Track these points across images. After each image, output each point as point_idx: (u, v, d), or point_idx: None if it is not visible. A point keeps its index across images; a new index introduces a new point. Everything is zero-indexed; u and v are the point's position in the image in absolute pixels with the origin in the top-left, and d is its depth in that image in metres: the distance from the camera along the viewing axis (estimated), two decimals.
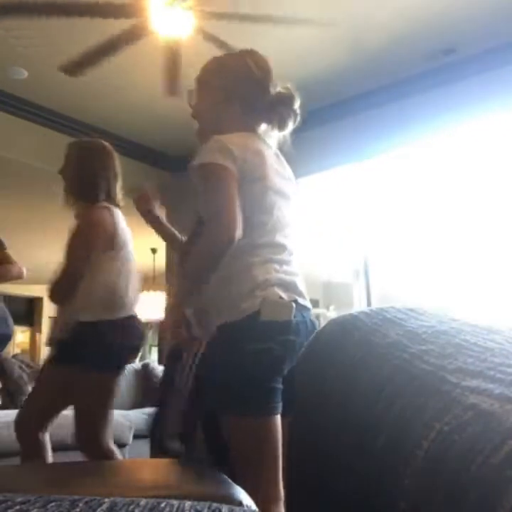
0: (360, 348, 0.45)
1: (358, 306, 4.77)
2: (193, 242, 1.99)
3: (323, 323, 1.39)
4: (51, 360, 2.30)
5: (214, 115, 1.62)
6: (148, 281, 6.75)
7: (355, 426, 0.40)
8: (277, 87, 1.58)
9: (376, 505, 0.35)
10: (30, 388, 3.94)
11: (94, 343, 2.16)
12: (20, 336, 9.84)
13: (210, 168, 1.43)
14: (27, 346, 10.21)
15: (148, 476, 1.31)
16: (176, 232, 2.07)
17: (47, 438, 2.32)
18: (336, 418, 0.44)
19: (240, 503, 1.05)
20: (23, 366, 4.29)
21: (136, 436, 3.73)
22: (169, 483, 1.19)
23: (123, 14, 3.22)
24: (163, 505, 0.45)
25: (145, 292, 4.85)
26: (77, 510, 0.41)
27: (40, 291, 10.08)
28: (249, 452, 1.40)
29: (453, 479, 0.29)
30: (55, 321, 2.42)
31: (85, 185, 2.37)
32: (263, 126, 1.59)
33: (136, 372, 4.56)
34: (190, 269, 1.46)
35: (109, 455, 2.23)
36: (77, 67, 3.49)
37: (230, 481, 1.21)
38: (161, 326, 1.49)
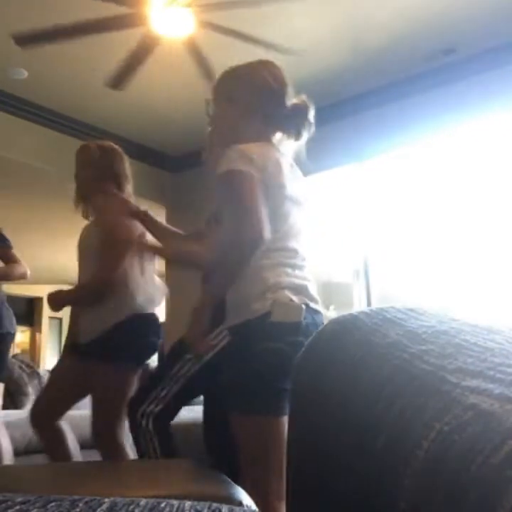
0: (360, 347, 0.45)
1: (358, 306, 4.77)
2: (202, 241, 2.02)
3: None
4: (73, 353, 2.35)
5: (232, 125, 1.64)
6: None
7: (355, 426, 0.40)
8: (292, 98, 1.62)
9: (376, 505, 0.35)
10: (30, 388, 3.95)
11: (122, 339, 2.21)
12: (20, 336, 9.86)
13: (234, 175, 1.45)
14: (27, 346, 10.22)
15: (148, 476, 1.31)
16: (171, 228, 2.08)
17: (64, 425, 2.39)
18: (336, 418, 0.43)
19: (240, 503, 1.05)
20: (23, 366, 4.29)
21: None
22: (169, 483, 1.19)
23: (126, 24, 3.23)
24: (163, 505, 0.45)
25: None
26: (77, 510, 0.41)
27: (40, 291, 10.08)
28: (256, 450, 1.43)
29: (453, 479, 0.29)
30: (75, 321, 2.44)
31: (99, 187, 2.41)
32: (278, 136, 1.63)
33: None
34: (219, 272, 1.47)
35: (121, 449, 2.26)
36: (32, 38, 3.50)
37: (230, 481, 1.21)
38: (191, 337, 1.50)
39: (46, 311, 10.40)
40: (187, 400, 2.15)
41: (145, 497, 0.48)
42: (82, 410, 2.70)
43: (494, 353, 0.36)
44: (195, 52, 3.50)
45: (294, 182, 1.56)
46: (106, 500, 0.44)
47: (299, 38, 3.91)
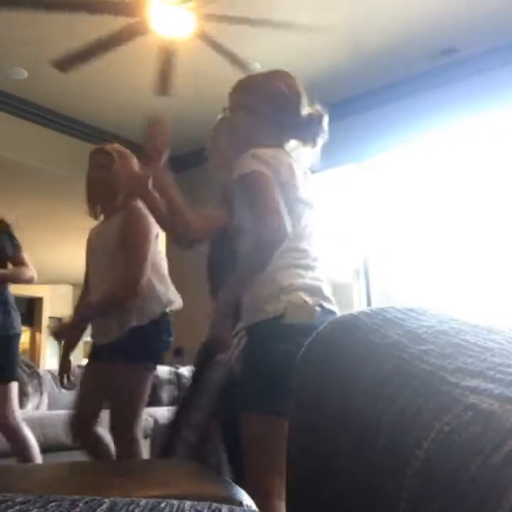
0: (360, 348, 0.45)
1: (358, 306, 4.77)
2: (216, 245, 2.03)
3: None
4: (96, 357, 2.41)
5: (246, 133, 1.67)
6: None
7: (355, 426, 0.40)
8: (306, 107, 1.66)
9: (376, 505, 0.35)
10: (30, 388, 3.95)
11: (139, 342, 2.27)
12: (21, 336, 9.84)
13: (253, 177, 1.47)
14: (27, 346, 10.22)
15: (148, 476, 1.31)
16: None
17: (101, 432, 2.45)
18: (336, 418, 0.43)
19: (240, 503, 1.05)
20: (23, 366, 4.29)
21: None
22: (169, 483, 1.19)
23: (123, 12, 3.23)
24: (163, 505, 0.45)
25: None
26: (77, 510, 0.41)
27: (40, 291, 10.09)
28: (261, 450, 1.45)
29: (453, 479, 0.29)
30: (96, 323, 2.48)
31: (115, 190, 2.46)
32: (292, 144, 1.66)
33: None
34: (243, 268, 1.49)
35: (135, 444, 2.30)
36: (68, 62, 3.52)
37: (230, 481, 1.21)
38: (215, 338, 1.51)
39: (46, 311, 10.42)
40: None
41: (145, 497, 0.48)
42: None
43: (494, 353, 0.36)
44: (213, 44, 3.50)
45: (305, 185, 1.60)
46: (106, 500, 0.44)
47: (300, 38, 3.91)
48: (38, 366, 8.46)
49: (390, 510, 0.32)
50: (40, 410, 3.89)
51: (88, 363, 2.53)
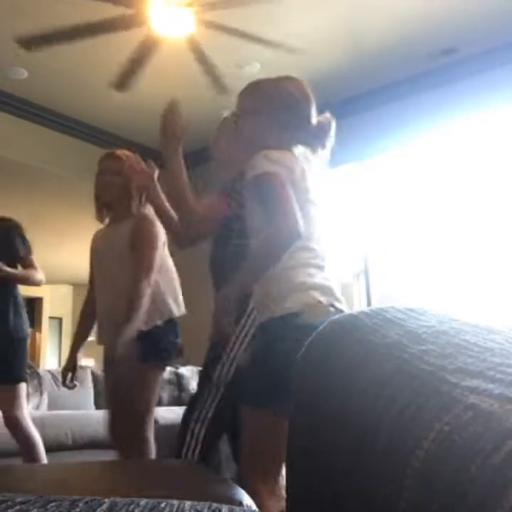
0: (360, 348, 0.45)
1: (358, 306, 4.77)
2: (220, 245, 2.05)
3: None
4: (106, 361, 2.45)
5: (255, 137, 1.69)
6: None
7: (355, 426, 0.40)
8: (315, 113, 1.68)
9: (376, 505, 0.35)
10: (30, 388, 3.95)
11: (151, 342, 2.32)
12: None
13: (267, 177, 1.50)
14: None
15: (148, 476, 1.31)
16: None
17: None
18: (335, 418, 0.43)
19: (240, 503, 1.05)
20: None
21: None
22: (169, 483, 1.19)
23: (127, 25, 3.24)
24: (163, 505, 0.45)
25: None
26: (77, 510, 0.41)
27: (40, 291, 10.08)
28: (260, 446, 1.47)
29: (453, 479, 0.29)
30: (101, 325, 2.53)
31: (125, 195, 2.52)
32: (301, 149, 1.68)
33: None
34: (254, 263, 1.51)
35: (146, 443, 2.33)
36: (34, 41, 3.51)
37: (230, 481, 1.21)
38: (217, 331, 1.53)
39: (46, 311, 10.41)
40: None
41: (145, 497, 0.48)
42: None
43: (494, 353, 0.36)
44: (197, 50, 3.50)
45: (314, 187, 1.63)
46: (106, 500, 0.44)
47: (299, 37, 3.91)
48: (38, 366, 8.47)
49: (390, 511, 0.32)
50: (40, 410, 3.89)
51: (104, 369, 2.60)
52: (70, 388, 2.57)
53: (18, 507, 0.40)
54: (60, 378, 2.71)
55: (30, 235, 2.99)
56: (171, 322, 2.42)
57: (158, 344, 2.35)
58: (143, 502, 0.45)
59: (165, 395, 4.51)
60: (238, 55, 3.74)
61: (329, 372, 0.48)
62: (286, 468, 0.53)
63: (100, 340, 2.49)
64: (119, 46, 3.55)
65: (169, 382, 4.64)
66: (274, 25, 3.75)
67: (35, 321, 10.16)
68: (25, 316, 2.87)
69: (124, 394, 2.37)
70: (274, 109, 1.65)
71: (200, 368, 2.31)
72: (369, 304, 4.76)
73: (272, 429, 1.40)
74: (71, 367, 2.56)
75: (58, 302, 10.30)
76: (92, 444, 3.66)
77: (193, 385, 4.44)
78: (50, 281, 9.76)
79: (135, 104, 4.73)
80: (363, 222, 4.91)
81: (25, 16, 3.62)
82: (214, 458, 2.08)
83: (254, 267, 1.50)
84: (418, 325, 0.43)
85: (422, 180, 4.76)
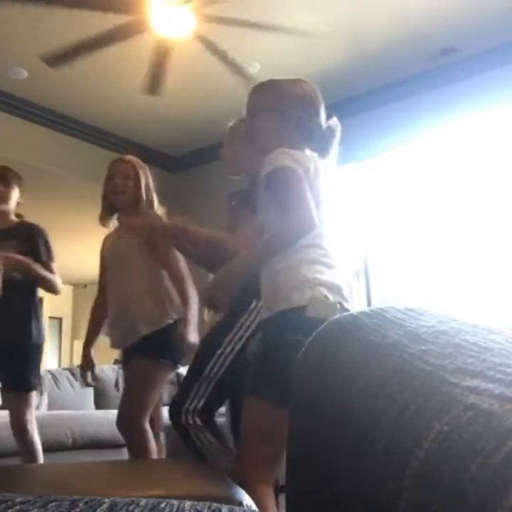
0: (359, 348, 0.45)
1: (358, 306, 4.77)
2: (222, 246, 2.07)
3: None
4: (139, 355, 2.49)
5: (267, 136, 1.70)
6: None
7: (355, 426, 0.40)
8: (325, 117, 1.71)
9: (376, 505, 0.35)
10: None
11: (163, 339, 2.41)
12: None
13: (283, 171, 1.52)
14: None
15: (148, 476, 1.31)
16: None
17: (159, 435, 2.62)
18: (335, 418, 0.43)
19: (240, 503, 1.05)
20: None
21: None
22: (169, 483, 1.19)
23: (123, 10, 3.23)
24: (163, 505, 0.45)
25: None
26: (77, 510, 0.41)
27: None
28: (257, 434, 1.49)
29: (453, 479, 0.29)
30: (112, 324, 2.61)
31: (142, 197, 2.62)
32: (308, 152, 1.69)
33: None
34: (266, 245, 1.54)
35: (144, 435, 2.38)
36: (59, 58, 3.54)
37: (230, 481, 1.21)
38: (210, 298, 1.56)
39: (46, 311, 10.40)
40: (226, 393, 2.21)
41: (145, 497, 0.48)
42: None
43: (494, 353, 0.36)
44: (210, 44, 3.51)
45: (326, 187, 1.64)
46: (106, 500, 0.44)
47: (300, 37, 3.91)
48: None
49: (390, 510, 0.32)
50: (40, 410, 3.89)
51: (123, 366, 2.68)
52: (91, 386, 2.63)
53: (18, 507, 0.40)
54: (78, 378, 2.76)
55: None
56: (181, 321, 2.46)
57: (171, 343, 2.41)
58: (143, 502, 0.45)
59: (165, 395, 4.51)
60: (238, 56, 3.74)
61: (329, 373, 0.48)
62: (287, 468, 0.53)
63: (114, 344, 2.58)
64: (119, 46, 3.55)
65: (169, 382, 4.64)
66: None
67: None
68: (42, 322, 2.89)
69: (128, 383, 2.47)
70: (287, 107, 1.65)
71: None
72: (369, 304, 4.76)
73: (272, 420, 1.41)
74: (87, 365, 2.64)
75: (58, 302, 10.29)
76: (92, 444, 3.66)
77: None
78: None
79: (135, 104, 4.73)
80: (363, 222, 4.91)
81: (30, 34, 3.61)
82: (213, 455, 2.09)
83: (266, 249, 1.53)
84: (418, 325, 0.43)
85: (422, 180, 4.76)
